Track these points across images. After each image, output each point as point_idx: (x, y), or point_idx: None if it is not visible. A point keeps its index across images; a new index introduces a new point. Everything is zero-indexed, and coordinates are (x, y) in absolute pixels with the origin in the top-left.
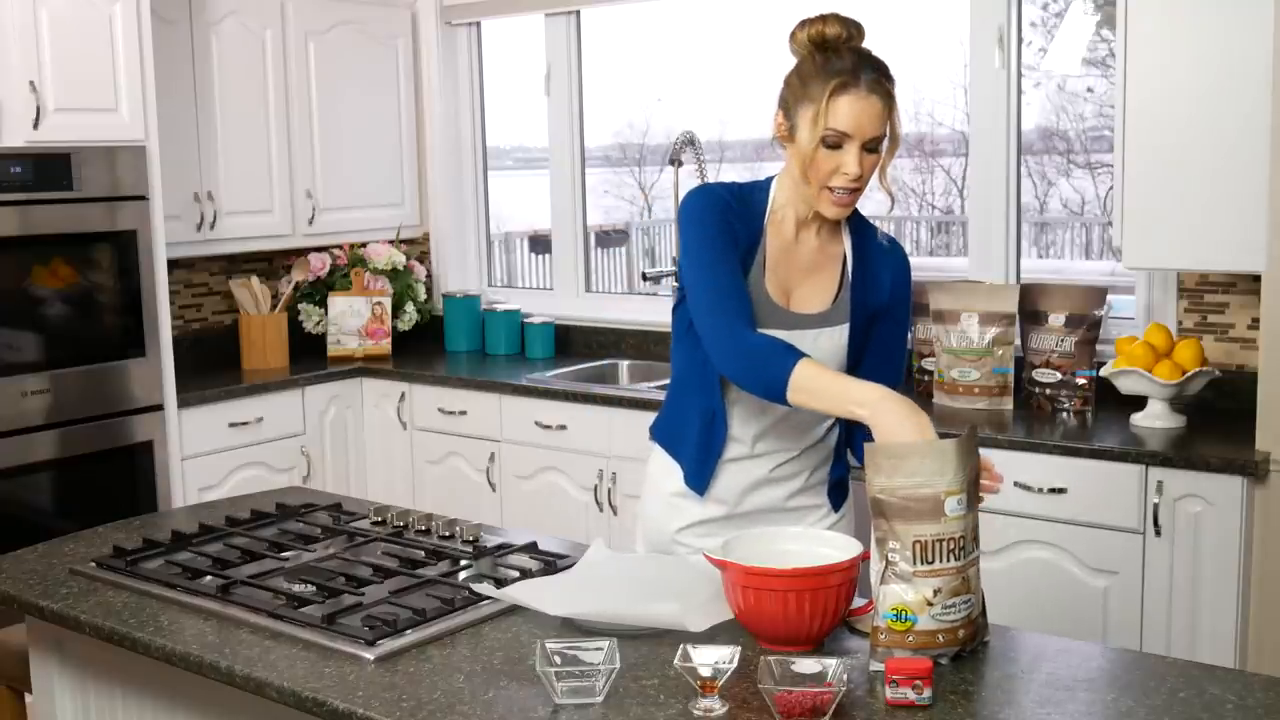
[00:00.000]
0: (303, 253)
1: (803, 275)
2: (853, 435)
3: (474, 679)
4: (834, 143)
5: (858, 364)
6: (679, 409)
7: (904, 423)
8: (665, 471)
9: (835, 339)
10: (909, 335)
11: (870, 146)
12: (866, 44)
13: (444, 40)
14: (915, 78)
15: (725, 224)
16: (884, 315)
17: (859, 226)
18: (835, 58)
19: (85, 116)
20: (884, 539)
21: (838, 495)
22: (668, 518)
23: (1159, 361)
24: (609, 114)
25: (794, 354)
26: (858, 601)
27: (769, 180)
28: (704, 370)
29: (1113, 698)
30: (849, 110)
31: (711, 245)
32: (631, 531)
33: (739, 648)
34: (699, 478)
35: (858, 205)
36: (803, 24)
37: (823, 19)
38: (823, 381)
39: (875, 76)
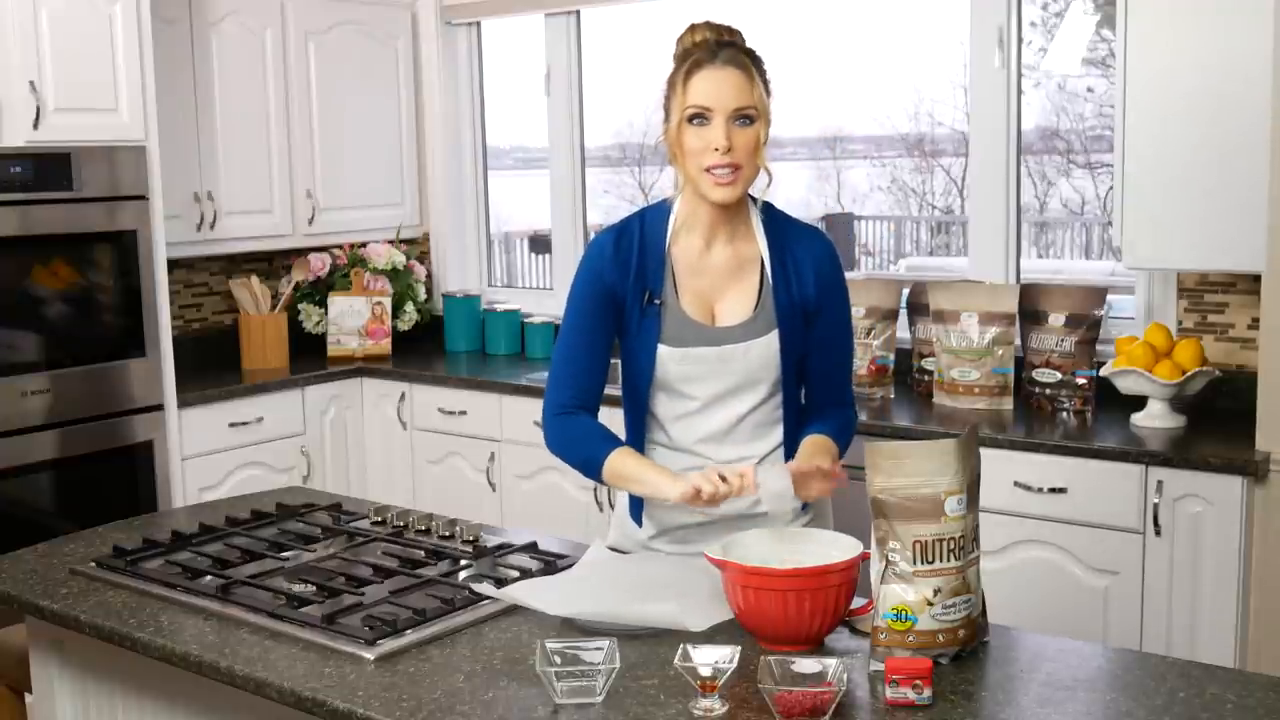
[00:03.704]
0: (303, 253)
1: (723, 284)
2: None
3: (474, 679)
4: (697, 117)
5: (801, 369)
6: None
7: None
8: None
9: (766, 348)
10: (852, 332)
11: (739, 121)
12: (854, 46)
13: (444, 40)
14: (915, 78)
15: (594, 281)
16: (818, 313)
17: (774, 223)
18: (697, 49)
19: (85, 116)
20: (884, 539)
21: None
22: (639, 528)
23: (1159, 361)
24: (609, 114)
25: (612, 443)
26: (858, 601)
27: (672, 200)
28: (633, 414)
29: (1112, 698)
30: (705, 84)
31: (573, 308)
32: None
33: (739, 648)
34: (635, 509)
35: (808, 216)
36: (680, 37)
37: (693, 28)
38: (631, 472)
39: (733, 54)
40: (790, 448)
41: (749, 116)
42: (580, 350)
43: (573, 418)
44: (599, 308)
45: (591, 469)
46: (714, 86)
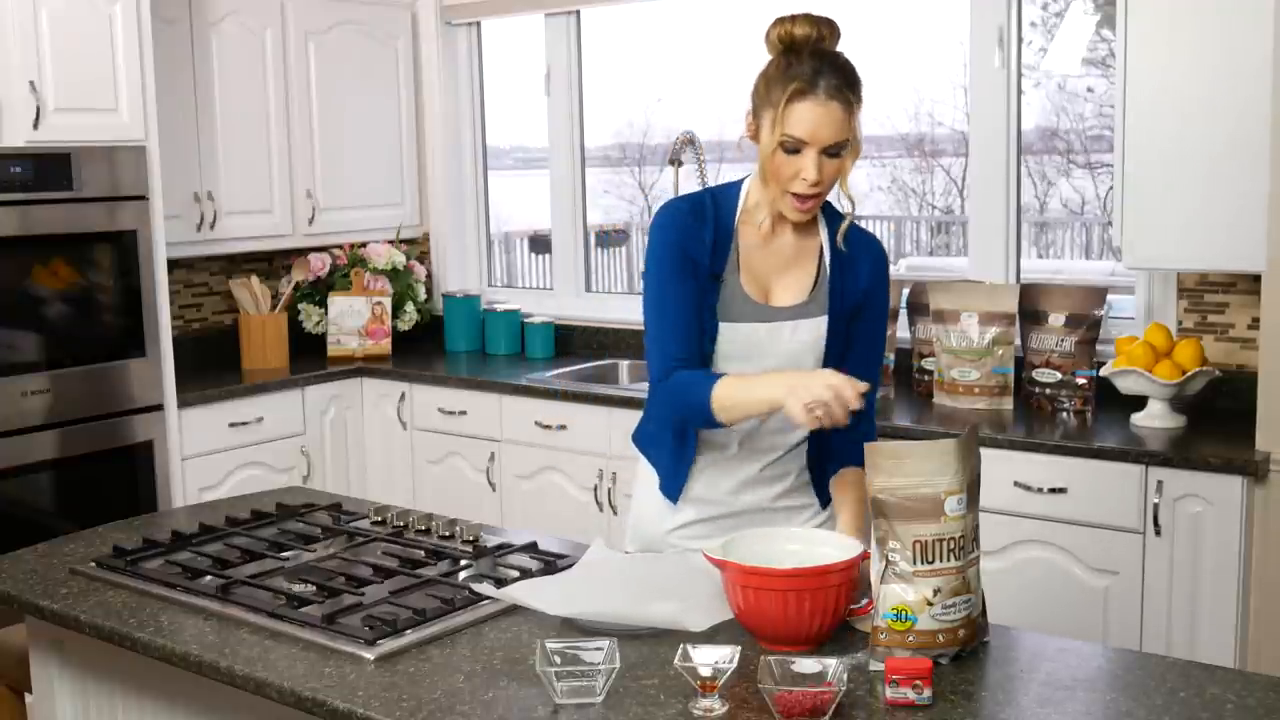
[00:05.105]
0: (303, 253)
1: (781, 269)
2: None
3: (474, 679)
4: (792, 148)
5: (842, 358)
6: (655, 414)
7: (794, 398)
8: (654, 474)
9: (813, 330)
10: (886, 332)
11: (831, 152)
12: (853, 46)
13: (444, 40)
14: (915, 78)
15: (678, 244)
16: (863, 309)
17: (835, 220)
18: (797, 62)
19: (85, 116)
20: (884, 539)
21: (826, 491)
22: (660, 519)
23: (1159, 361)
24: (609, 114)
25: (713, 377)
26: (858, 601)
27: (742, 180)
28: None
29: (1112, 698)
30: (805, 117)
31: (660, 270)
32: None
33: (739, 648)
34: (673, 485)
35: (831, 200)
36: (776, 22)
37: (793, 19)
38: (739, 391)
39: (836, 83)
40: (817, 442)
41: (840, 147)
42: (671, 308)
43: (673, 377)
44: (682, 265)
45: (702, 412)
46: (814, 122)
